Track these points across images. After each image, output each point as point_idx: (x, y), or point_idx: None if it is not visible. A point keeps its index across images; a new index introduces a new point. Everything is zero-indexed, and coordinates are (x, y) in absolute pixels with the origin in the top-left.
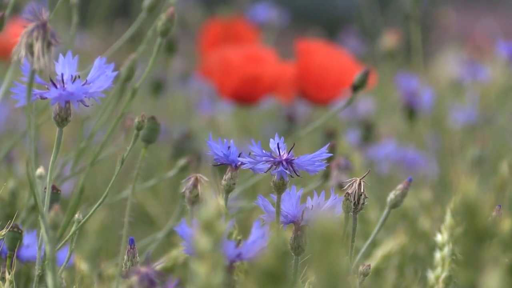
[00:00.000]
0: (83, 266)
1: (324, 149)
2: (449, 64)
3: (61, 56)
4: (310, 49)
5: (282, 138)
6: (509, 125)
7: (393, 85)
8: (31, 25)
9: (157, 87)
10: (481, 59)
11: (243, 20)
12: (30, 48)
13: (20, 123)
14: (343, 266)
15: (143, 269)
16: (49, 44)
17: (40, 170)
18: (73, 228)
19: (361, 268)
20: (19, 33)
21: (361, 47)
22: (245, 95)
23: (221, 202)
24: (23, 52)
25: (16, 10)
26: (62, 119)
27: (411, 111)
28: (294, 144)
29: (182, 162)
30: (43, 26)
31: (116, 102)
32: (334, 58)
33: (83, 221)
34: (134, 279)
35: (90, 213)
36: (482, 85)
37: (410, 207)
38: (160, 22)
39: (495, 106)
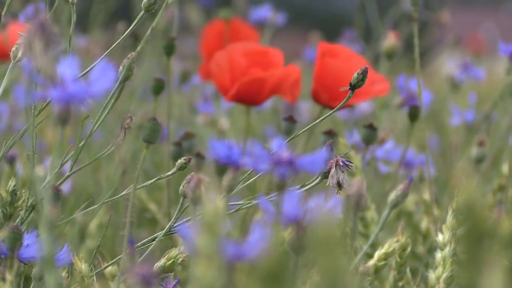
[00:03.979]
0: (83, 266)
1: (324, 149)
2: (449, 64)
3: (62, 57)
4: (329, 52)
5: (283, 138)
6: (509, 126)
7: (393, 86)
8: (29, 26)
9: (158, 87)
10: (481, 60)
11: (244, 20)
12: (28, 48)
13: (20, 123)
14: (345, 268)
15: (140, 269)
16: (47, 44)
17: (39, 170)
18: (72, 228)
19: (361, 268)
20: (19, 33)
21: (361, 47)
22: (250, 96)
23: (222, 202)
24: (22, 52)
25: (17, 11)
26: (62, 120)
27: (410, 111)
28: (293, 144)
29: (181, 161)
30: (41, 26)
31: (115, 101)
32: (353, 64)
33: (83, 222)
34: (131, 278)
35: (91, 214)
36: (481, 86)
37: (409, 207)
38: None
39: (495, 107)
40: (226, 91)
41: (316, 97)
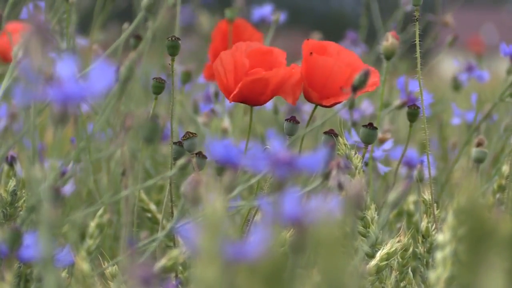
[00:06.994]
0: (85, 266)
1: (324, 149)
2: (452, 65)
3: (60, 56)
4: (317, 49)
5: (283, 138)
6: (507, 126)
7: (394, 87)
8: (28, 26)
9: (159, 87)
10: (481, 60)
11: (248, 21)
12: (26, 48)
13: (19, 123)
14: (345, 268)
15: (140, 269)
16: (45, 44)
17: (38, 170)
18: (72, 229)
19: (361, 268)
20: (19, 34)
21: (363, 49)
22: (252, 96)
23: (222, 202)
24: (20, 53)
25: (18, 12)
26: (60, 119)
27: (409, 111)
28: (294, 144)
29: (181, 161)
30: (39, 27)
31: (116, 102)
32: (342, 60)
33: (83, 222)
34: (131, 278)
35: (91, 215)
36: (482, 86)
37: (409, 207)
38: None
39: (495, 107)
40: (229, 91)
41: (307, 96)
